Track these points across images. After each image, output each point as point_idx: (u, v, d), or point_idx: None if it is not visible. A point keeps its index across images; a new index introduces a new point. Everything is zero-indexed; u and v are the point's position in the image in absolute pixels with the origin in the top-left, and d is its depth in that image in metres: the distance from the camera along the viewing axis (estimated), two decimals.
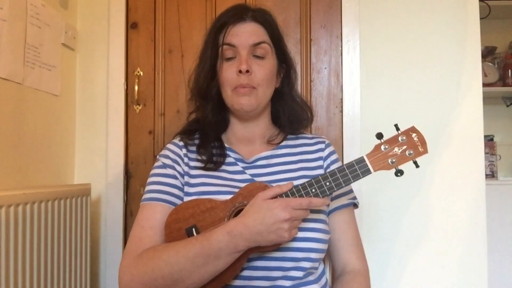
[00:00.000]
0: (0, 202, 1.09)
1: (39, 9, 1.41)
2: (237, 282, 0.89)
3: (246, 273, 0.89)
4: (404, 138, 0.86)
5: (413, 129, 0.87)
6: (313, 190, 0.85)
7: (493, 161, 2.58)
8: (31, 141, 1.39)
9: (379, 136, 0.86)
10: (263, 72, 0.97)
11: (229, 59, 0.97)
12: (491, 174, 2.56)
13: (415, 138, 0.86)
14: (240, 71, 0.94)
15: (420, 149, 0.86)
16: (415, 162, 0.86)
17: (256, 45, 0.97)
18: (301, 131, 1.10)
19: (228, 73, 0.96)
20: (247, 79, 0.95)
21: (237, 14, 0.98)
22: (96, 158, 1.69)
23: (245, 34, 0.97)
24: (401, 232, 1.62)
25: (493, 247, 2.01)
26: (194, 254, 0.82)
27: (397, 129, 0.86)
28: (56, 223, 1.33)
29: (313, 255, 0.91)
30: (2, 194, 1.12)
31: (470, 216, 1.61)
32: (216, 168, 0.98)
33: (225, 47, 0.97)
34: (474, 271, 1.59)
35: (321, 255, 0.95)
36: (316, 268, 0.96)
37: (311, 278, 0.93)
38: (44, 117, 1.47)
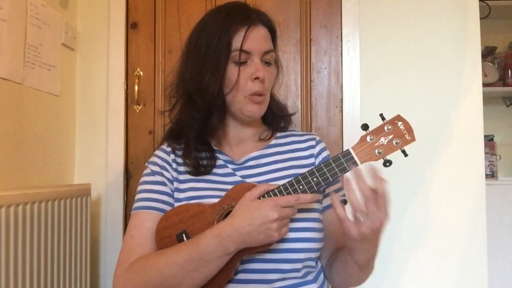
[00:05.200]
0: (0, 202, 1.09)
1: (39, 9, 1.41)
2: (233, 286, 0.88)
3: (241, 276, 0.89)
4: (390, 127, 0.83)
5: (398, 118, 0.84)
6: (301, 187, 0.84)
7: (493, 161, 2.58)
8: (31, 141, 1.39)
9: (365, 127, 0.84)
10: (271, 78, 0.98)
11: (242, 63, 0.93)
12: (491, 174, 2.56)
13: (401, 127, 0.83)
14: (256, 78, 0.92)
15: (407, 137, 0.83)
16: (403, 151, 0.84)
17: (268, 52, 0.96)
18: (290, 128, 1.10)
19: (243, 79, 0.93)
20: (262, 86, 0.94)
21: (249, 16, 0.94)
22: (96, 158, 1.69)
23: (259, 40, 0.94)
24: (401, 232, 1.62)
25: (493, 247, 2.01)
26: (184, 260, 0.82)
27: (383, 118, 0.84)
28: (56, 223, 1.33)
29: (309, 255, 0.91)
30: (2, 194, 1.12)
31: (470, 216, 1.61)
32: (206, 172, 0.97)
33: (240, 52, 0.92)
34: (474, 271, 1.59)
35: (317, 254, 0.95)
36: (314, 267, 0.95)
37: (309, 277, 0.93)
38: (44, 117, 1.47)
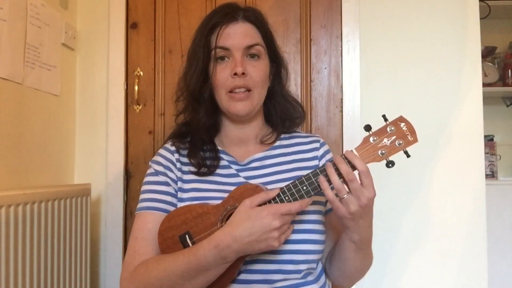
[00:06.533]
0: (0, 202, 1.09)
1: (39, 9, 1.41)
2: (235, 286, 0.89)
3: (244, 276, 0.89)
4: (393, 128, 0.84)
5: (401, 119, 0.85)
6: (304, 188, 0.84)
7: (493, 161, 2.58)
8: (31, 141, 1.39)
9: (367, 128, 0.84)
10: (258, 73, 0.95)
11: (222, 58, 0.95)
12: (491, 174, 2.56)
13: (404, 128, 0.84)
14: (235, 74, 0.92)
15: (409, 138, 0.84)
16: (405, 152, 0.84)
17: (250, 47, 0.95)
18: (295, 129, 1.08)
19: (222, 76, 0.94)
20: (242, 81, 0.93)
21: (229, 14, 0.96)
22: (96, 158, 1.69)
23: (239, 35, 0.94)
24: (401, 232, 1.62)
25: (493, 247, 2.01)
26: (183, 269, 0.82)
27: (385, 119, 0.85)
28: (56, 223, 1.33)
29: (311, 257, 0.91)
30: (2, 194, 1.12)
31: (470, 216, 1.61)
32: (210, 173, 0.97)
33: (218, 49, 0.94)
34: (474, 271, 1.59)
35: (318, 256, 0.95)
36: (315, 269, 0.95)
37: (310, 278, 0.93)
38: (44, 117, 1.47)
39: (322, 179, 0.82)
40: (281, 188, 0.84)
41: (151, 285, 0.85)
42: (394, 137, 0.84)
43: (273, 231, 0.78)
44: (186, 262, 0.82)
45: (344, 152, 0.83)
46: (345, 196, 0.80)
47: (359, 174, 0.81)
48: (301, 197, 0.84)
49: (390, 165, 0.84)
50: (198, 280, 0.82)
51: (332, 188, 0.82)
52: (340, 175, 0.81)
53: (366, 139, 0.85)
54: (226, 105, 0.96)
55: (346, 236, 0.89)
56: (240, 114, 0.95)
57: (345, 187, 0.81)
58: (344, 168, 0.81)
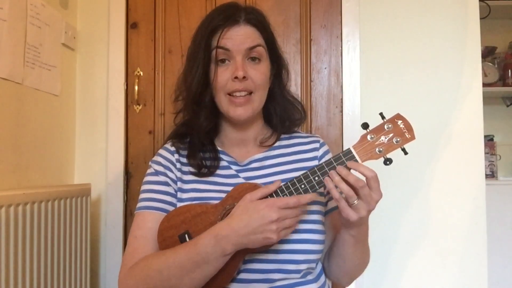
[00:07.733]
0: (0, 202, 1.09)
1: (39, 9, 1.41)
2: (234, 285, 0.89)
3: (244, 275, 0.89)
4: (390, 126, 0.84)
5: (398, 116, 0.86)
6: (302, 186, 0.84)
7: (493, 161, 2.58)
8: (31, 141, 1.39)
9: (365, 126, 0.85)
10: (259, 76, 0.95)
11: (222, 61, 0.94)
12: (491, 174, 2.56)
13: (401, 125, 0.85)
14: (236, 78, 0.92)
15: (407, 135, 0.84)
16: (403, 149, 0.85)
17: (251, 48, 0.94)
18: (294, 129, 1.08)
19: (223, 78, 0.93)
20: (243, 84, 0.93)
21: (231, 16, 0.94)
22: (96, 158, 1.69)
23: (240, 37, 0.93)
24: (401, 232, 1.62)
25: (493, 247, 2.01)
26: (182, 260, 0.82)
27: (383, 117, 0.85)
28: (56, 223, 1.33)
29: (311, 256, 0.91)
30: (2, 194, 1.12)
31: (470, 216, 1.61)
32: (210, 174, 0.97)
33: (218, 50, 0.93)
34: (474, 271, 1.59)
35: (318, 256, 0.95)
36: (314, 268, 0.96)
37: (309, 277, 0.93)
38: (44, 117, 1.47)
39: (334, 192, 0.82)
40: (280, 187, 0.85)
41: (151, 278, 0.85)
42: (391, 135, 0.84)
43: (270, 223, 0.79)
44: (186, 253, 0.82)
45: (347, 163, 0.83)
46: (355, 202, 0.81)
47: (367, 180, 0.82)
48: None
49: (388, 162, 0.85)
50: (196, 273, 0.82)
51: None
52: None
53: (363, 137, 0.85)
54: (226, 109, 0.95)
55: (345, 232, 0.90)
56: (240, 119, 0.95)
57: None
58: (352, 178, 0.81)
